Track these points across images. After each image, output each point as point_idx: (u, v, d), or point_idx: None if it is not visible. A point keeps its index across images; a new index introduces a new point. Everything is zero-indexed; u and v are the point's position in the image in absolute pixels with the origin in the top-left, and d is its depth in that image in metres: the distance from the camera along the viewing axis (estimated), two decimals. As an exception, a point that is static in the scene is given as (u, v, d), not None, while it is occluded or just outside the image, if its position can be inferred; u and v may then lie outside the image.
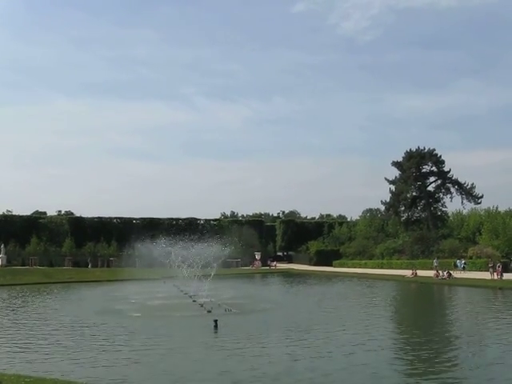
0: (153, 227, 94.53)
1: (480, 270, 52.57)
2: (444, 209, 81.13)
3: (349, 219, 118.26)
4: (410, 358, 15.95)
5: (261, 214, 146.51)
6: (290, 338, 19.21)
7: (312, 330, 20.73)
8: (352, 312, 27.21)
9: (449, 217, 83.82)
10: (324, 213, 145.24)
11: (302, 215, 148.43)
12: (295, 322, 23.17)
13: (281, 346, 17.59)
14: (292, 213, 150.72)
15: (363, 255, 79.77)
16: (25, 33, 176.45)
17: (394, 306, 33.31)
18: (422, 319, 25.06)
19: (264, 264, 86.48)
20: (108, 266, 76.74)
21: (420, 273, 53.17)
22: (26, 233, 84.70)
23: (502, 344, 17.36)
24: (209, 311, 26.25)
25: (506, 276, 44.41)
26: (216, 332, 20.56)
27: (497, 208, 75.59)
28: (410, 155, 79.20)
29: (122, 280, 55.91)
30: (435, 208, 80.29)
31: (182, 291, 38.92)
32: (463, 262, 55.19)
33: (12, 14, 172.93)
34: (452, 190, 78.73)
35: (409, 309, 31.78)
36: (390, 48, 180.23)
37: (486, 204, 78.79)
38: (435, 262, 54.48)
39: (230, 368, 14.49)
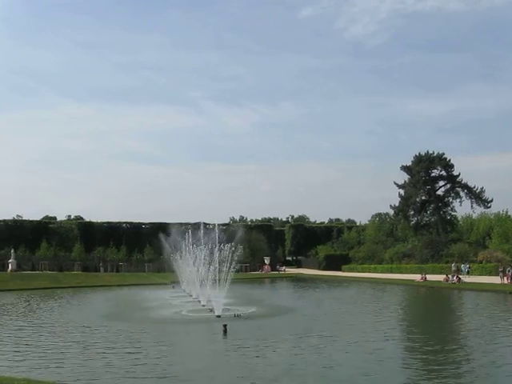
0: (162, 232, 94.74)
1: (490, 274, 52.26)
2: (453, 213, 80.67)
3: (358, 223, 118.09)
4: (422, 366, 15.89)
5: (270, 219, 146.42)
6: (299, 344, 19.11)
7: (322, 336, 20.60)
8: (362, 317, 27.02)
9: (458, 221, 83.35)
10: (333, 217, 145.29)
11: (310, 220, 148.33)
12: (305, 327, 23.12)
13: (290, 353, 17.53)
14: (301, 217, 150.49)
15: (372, 260, 79.50)
16: (33, 37, 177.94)
17: (405, 311, 33.15)
18: (434, 325, 24.74)
19: (273, 269, 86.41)
20: (117, 271, 76.92)
21: (429, 277, 52.93)
22: (35, 238, 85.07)
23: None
24: (218, 316, 26.28)
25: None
26: (225, 337, 20.57)
27: (507, 212, 75.04)
28: (419, 159, 78.89)
29: (131, 285, 56.15)
30: (444, 212, 79.83)
31: (191, 296, 39.00)
32: (467, 266, 54.80)
33: (20, 18, 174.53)
34: (461, 194, 78.23)
35: (420, 314, 31.58)
36: (397, 52, 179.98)
37: (495, 208, 78.18)
38: (453, 267, 54.04)
39: (237, 374, 14.51)
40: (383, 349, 17.74)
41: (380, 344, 18.69)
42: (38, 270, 74.17)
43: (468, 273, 52.89)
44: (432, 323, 25.40)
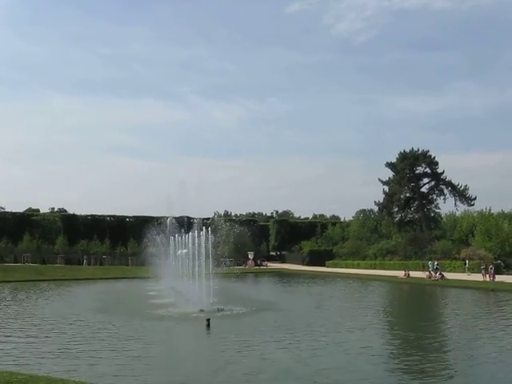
0: (146, 225, 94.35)
1: (473, 271, 52.69)
2: (437, 210, 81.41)
3: (342, 220, 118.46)
4: (404, 364, 15.94)
5: (254, 214, 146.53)
6: (281, 338, 19.03)
7: (304, 332, 20.48)
8: (343, 314, 27.07)
9: (442, 218, 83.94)
10: (317, 213, 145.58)
11: (295, 215, 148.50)
12: (288, 322, 23.07)
13: (271, 347, 17.48)
14: (285, 213, 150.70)
15: (356, 256, 79.88)
16: (20, 30, 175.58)
17: (386, 307, 33.34)
18: (417, 322, 24.80)
19: (257, 264, 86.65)
20: (101, 264, 76.52)
21: (412, 274, 53.24)
22: (18, 230, 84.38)
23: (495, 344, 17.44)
24: (201, 310, 26.20)
25: (498, 278, 44.56)
26: (208, 331, 20.51)
27: (490, 210, 75.74)
28: (403, 156, 79.34)
29: (114, 278, 55.89)
30: (428, 209, 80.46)
31: (174, 290, 38.87)
32: (435, 263, 54.97)
33: (8, 10, 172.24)
34: (445, 191, 78.93)
35: (402, 311, 31.75)
36: (384, 49, 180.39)
37: (478, 206, 78.91)
38: (467, 264, 54.87)
39: (220, 368, 14.47)
40: (370, 348, 17.59)
41: (366, 343, 18.60)
42: (21, 262, 73.62)
43: (436, 269, 52.62)
44: (416, 321, 25.52)
